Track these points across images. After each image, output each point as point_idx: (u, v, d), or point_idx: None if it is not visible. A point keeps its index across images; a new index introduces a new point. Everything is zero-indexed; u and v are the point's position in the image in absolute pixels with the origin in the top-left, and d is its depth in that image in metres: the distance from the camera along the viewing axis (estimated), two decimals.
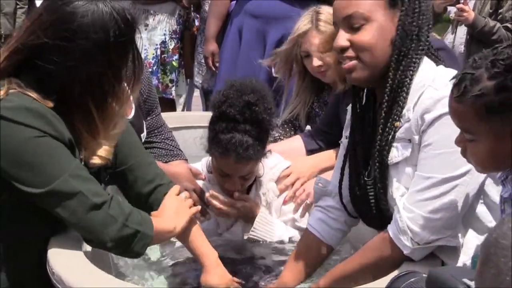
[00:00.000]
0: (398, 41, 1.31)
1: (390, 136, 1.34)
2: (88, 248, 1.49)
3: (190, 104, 4.12)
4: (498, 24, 3.21)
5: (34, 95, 1.31)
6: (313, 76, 2.18)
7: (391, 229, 1.34)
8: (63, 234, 1.43)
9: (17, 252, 1.43)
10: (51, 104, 1.32)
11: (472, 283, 0.70)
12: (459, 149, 1.19)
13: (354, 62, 1.35)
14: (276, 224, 1.86)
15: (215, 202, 1.82)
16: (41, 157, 1.29)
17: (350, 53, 1.34)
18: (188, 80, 3.74)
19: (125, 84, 1.40)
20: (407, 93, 1.32)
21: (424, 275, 0.79)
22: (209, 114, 1.84)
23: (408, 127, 1.31)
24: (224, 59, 3.00)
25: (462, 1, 3.28)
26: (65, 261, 1.35)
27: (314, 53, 2.05)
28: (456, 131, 1.15)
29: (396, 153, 1.34)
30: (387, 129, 1.34)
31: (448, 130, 1.22)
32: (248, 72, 2.66)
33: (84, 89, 1.34)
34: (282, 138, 2.27)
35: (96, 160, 1.43)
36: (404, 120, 1.32)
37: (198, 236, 1.56)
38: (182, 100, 3.70)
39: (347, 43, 1.34)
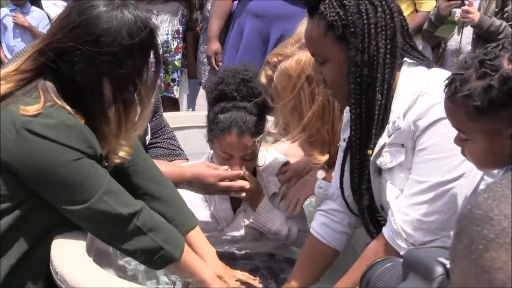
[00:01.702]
0: (351, 76, 1.31)
1: (367, 162, 1.36)
2: (92, 248, 1.47)
3: (194, 104, 4.12)
4: (504, 23, 3.20)
5: (68, 107, 1.33)
6: None
7: (385, 231, 1.35)
8: (67, 234, 1.42)
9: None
10: (79, 117, 1.35)
11: (447, 262, 0.71)
12: (452, 153, 1.21)
13: (329, 91, 1.42)
14: (276, 214, 1.85)
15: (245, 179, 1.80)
16: (78, 179, 1.33)
17: (326, 85, 1.39)
18: (191, 80, 3.74)
19: (147, 87, 1.42)
20: (380, 118, 1.32)
21: (400, 260, 0.79)
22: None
23: (400, 133, 1.31)
24: (227, 58, 2.99)
25: (467, 2, 3.28)
26: (68, 261, 1.35)
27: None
28: (450, 136, 1.16)
29: (390, 159, 1.34)
30: (360, 157, 1.37)
31: (442, 136, 1.23)
32: None
33: (112, 92, 1.36)
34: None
35: (116, 159, 1.46)
36: (395, 128, 1.32)
37: (193, 257, 1.53)
38: (184, 99, 3.71)
39: (320, 76, 1.38)
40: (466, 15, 3.24)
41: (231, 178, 1.78)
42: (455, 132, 1.19)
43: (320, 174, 1.76)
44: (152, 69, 1.43)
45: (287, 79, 1.61)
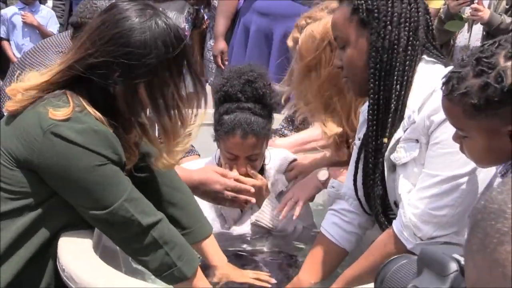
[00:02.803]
0: (371, 61, 1.33)
1: (382, 150, 1.37)
2: (98, 245, 1.47)
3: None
4: None
5: (98, 113, 1.34)
6: None
7: (395, 224, 1.36)
8: (73, 232, 1.42)
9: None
10: (107, 123, 1.35)
11: (462, 258, 0.71)
12: None
13: (344, 79, 1.44)
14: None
15: (254, 179, 1.80)
16: (102, 185, 1.33)
17: (343, 71, 1.42)
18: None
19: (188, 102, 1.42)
20: (397, 108, 1.33)
21: (415, 257, 0.81)
22: None
23: (415, 128, 1.32)
24: (234, 57, 2.99)
25: (476, 1, 3.27)
26: (75, 258, 1.35)
27: None
28: None
29: (404, 154, 1.34)
30: (375, 145, 1.38)
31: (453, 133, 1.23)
32: None
33: (150, 103, 1.37)
34: (284, 130, 2.31)
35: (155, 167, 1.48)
36: (410, 122, 1.33)
37: (211, 243, 1.60)
38: None
39: (339, 62, 1.42)
40: (475, 13, 3.23)
41: (238, 191, 1.77)
42: None
43: (322, 175, 1.78)
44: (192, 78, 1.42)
45: (311, 41, 1.68)
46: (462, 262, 0.69)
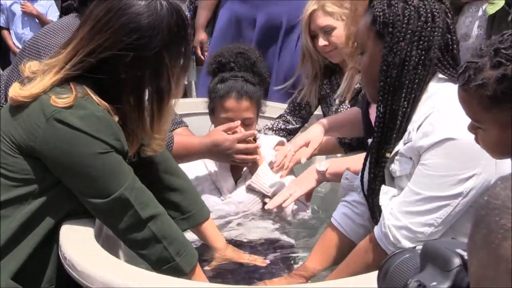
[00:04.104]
0: (381, 74, 1.34)
1: (382, 164, 1.38)
2: (100, 233, 1.48)
3: (203, 91, 4.13)
4: None
5: (101, 102, 1.33)
6: (324, 58, 2.24)
7: (376, 231, 1.37)
8: (75, 220, 1.42)
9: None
10: (109, 108, 1.35)
11: (465, 253, 0.71)
12: (451, 173, 1.24)
13: (361, 84, 1.51)
14: (276, 178, 1.93)
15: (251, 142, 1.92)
16: (103, 172, 1.32)
17: (360, 77, 1.48)
18: (199, 67, 3.75)
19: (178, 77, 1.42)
20: (402, 123, 1.34)
21: (418, 252, 0.81)
22: None
23: (410, 146, 1.33)
24: (213, 46, 3.01)
25: None
26: (77, 246, 1.35)
27: (320, 33, 2.16)
28: (453, 156, 1.22)
29: (399, 167, 1.36)
30: (376, 158, 1.39)
31: (444, 156, 1.25)
32: None
33: (151, 85, 1.37)
34: (286, 116, 2.37)
35: (149, 152, 1.48)
36: (409, 139, 1.33)
37: (210, 225, 1.64)
38: (192, 86, 3.74)
39: (358, 66, 1.46)
40: None
41: (246, 139, 1.89)
42: (459, 153, 1.22)
43: (322, 165, 1.80)
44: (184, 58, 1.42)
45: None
46: (465, 257, 0.69)
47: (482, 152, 1.13)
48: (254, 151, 1.91)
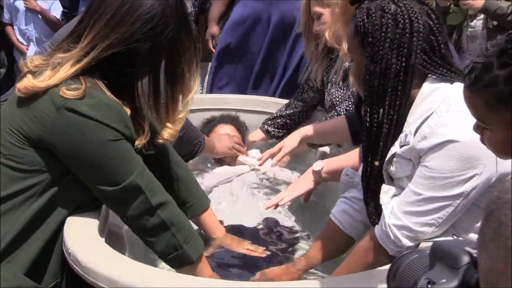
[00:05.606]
0: (365, 83, 1.33)
1: (373, 172, 1.38)
2: (104, 229, 1.48)
3: (209, 87, 4.12)
4: None
5: (107, 91, 1.34)
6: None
7: (377, 230, 1.38)
8: (79, 215, 1.43)
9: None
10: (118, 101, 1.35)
11: (474, 251, 0.71)
12: (452, 175, 1.25)
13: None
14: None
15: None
16: (113, 160, 1.33)
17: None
18: (203, 63, 3.74)
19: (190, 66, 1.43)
20: (390, 130, 1.33)
21: (427, 252, 0.81)
22: (226, 97, 1.88)
23: (409, 149, 1.33)
24: (222, 40, 3.01)
25: None
26: (81, 242, 1.36)
27: (315, 18, 2.22)
28: (454, 158, 1.23)
29: (399, 169, 1.36)
30: (364, 165, 1.39)
31: (445, 157, 1.25)
32: (251, 54, 2.86)
33: (164, 73, 1.39)
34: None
35: (160, 140, 1.49)
36: (406, 142, 1.33)
37: (209, 215, 1.68)
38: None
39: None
40: (466, 3, 3.17)
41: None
42: (460, 154, 1.22)
43: (318, 165, 1.82)
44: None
45: None
46: (474, 255, 0.70)
47: (483, 151, 1.13)
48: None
